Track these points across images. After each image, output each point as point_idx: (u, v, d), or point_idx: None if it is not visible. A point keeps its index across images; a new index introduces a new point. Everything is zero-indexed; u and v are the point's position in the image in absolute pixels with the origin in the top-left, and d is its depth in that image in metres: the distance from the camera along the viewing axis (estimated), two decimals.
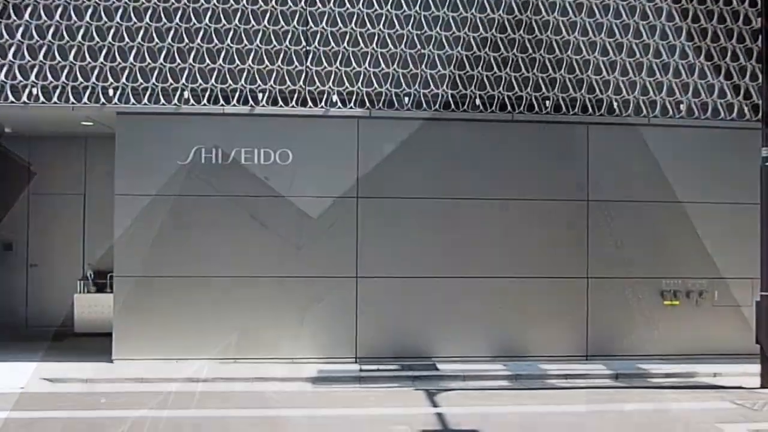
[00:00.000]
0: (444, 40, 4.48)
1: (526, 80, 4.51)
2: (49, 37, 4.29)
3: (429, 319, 4.49)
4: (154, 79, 4.28)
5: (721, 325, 4.66)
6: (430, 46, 4.49)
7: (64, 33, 4.31)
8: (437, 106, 4.46)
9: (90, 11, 4.31)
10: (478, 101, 4.47)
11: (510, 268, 4.53)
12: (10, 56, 4.29)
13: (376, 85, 4.44)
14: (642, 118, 4.59)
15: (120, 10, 4.32)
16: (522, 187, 4.54)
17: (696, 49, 4.63)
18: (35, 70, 4.31)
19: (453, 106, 4.46)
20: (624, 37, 4.62)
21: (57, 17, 4.29)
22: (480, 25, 4.50)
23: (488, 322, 4.51)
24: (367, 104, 4.41)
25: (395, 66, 4.43)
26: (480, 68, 4.48)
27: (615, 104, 4.58)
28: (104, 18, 4.31)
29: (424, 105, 4.46)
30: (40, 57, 4.28)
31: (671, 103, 4.62)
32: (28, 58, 4.27)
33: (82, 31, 4.29)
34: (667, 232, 4.66)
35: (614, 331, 4.59)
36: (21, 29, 4.33)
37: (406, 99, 4.47)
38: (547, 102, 4.55)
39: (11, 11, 4.35)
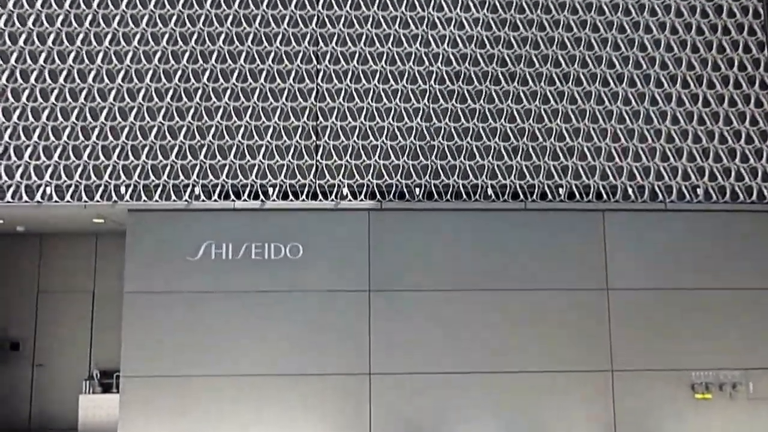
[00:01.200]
0: (453, 131, 4.57)
1: (537, 168, 4.55)
2: (65, 137, 4.44)
3: (444, 416, 4.34)
4: (165, 176, 4.38)
5: (757, 420, 4.46)
6: (440, 138, 4.58)
7: (80, 133, 4.46)
8: (449, 196, 4.49)
9: (105, 112, 4.48)
10: (489, 191, 4.50)
11: (528, 362, 4.43)
12: (26, 157, 4.43)
13: (386, 177, 4.50)
14: (659, 204, 4.59)
15: (134, 111, 4.48)
16: (538, 276, 4.51)
17: (709, 133, 4.67)
18: (50, 170, 4.44)
19: (465, 196, 4.49)
20: (635, 123, 4.68)
21: (72, 118, 4.46)
22: (488, 115, 4.60)
23: (507, 418, 4.35)
24: (378, 196, 4.46)
25: (405, 158, 4.50)
26: (490, 158, 4.54)
27: (630, 190, 4.60)
28: (119, 118, 4.47)
29: (436, 196, 4.50)
30: (56, 157, 4.42)
31: (688, 188, 4.62)
32: (43, 158, 4.41)
33: (96, 131, 4.44)
34: (695, 320, 4.56)
35: (642, 428, 4.39)
36: (38, 131, 4.50)
37: (417, 190, 4.51)
38: (561, 190, 4.57)
39: (29, 113, 4.53)
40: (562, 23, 4.92)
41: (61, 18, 4.75)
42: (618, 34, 4.90)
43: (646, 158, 4.87)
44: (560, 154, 4.93)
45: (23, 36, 4.74)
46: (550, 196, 4.79)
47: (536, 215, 4.79)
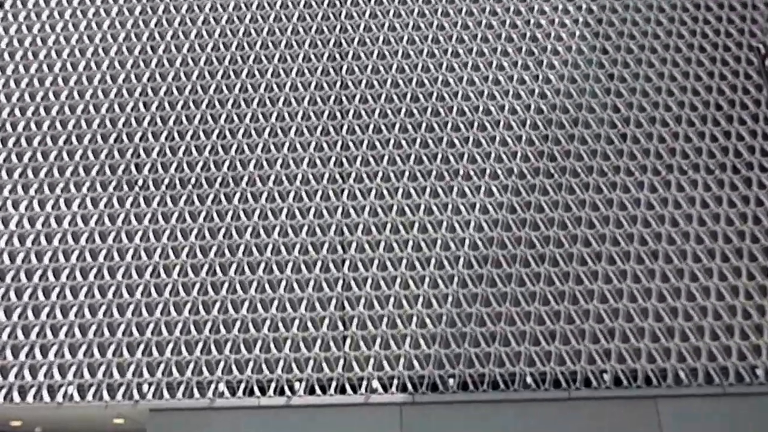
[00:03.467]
0: (485, 316, 4.50)
1: (577, 353, 4.40)
2: (90, 334, 4.50)
3: None
4: (189, 372, 4.36)
5: None
6: (471, 324, 4.51)
7: (105, 329, 4.53)
8: (485, 386, 4.32)
9: (132, 307, 4.57)
10: (529, 379, 4.33)
11: None
12: (51, 355, 4.47)
13: (417, 367, 4.39)
14: (716, 387, 4.32)
15: (160, 305, 4.56)
16: None
17: (758, 307, 4.51)
18: (73, 368, 4.45)
19: (502, 386, 4.31)
20: (676, 300, 4.57)
21: (99, 315, 4.54)
22: (521, 298, 4.55)
23: None
24: (410, 388, 4.31)
25: (437, 346, 4.41)
26: (526, 343, 4.41)
27: (681, 373, 4.36)
28: (144, 314, 4.55)
29: (471, 386, 4.33)
30: (80, 355, 4.45)
31: (746, 368, 4.37)
32: (68, 356, 4.45)
33: (122, 327, 4.50)
34: None
35: None
36: (65, 327, 4.59)
37: (451, 380, 4.36)
38: (605, 375, 4.36)
39: (57, 311, 4.66)
40: (587, 202, 5.01)
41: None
42: (645, 210, 4.96)
43: (695, 337, 4.69)
44: (600, 337, 4.79)
45: (58, 236, 5.01)
46: (594, 383, 4.58)
47: (582, 404, 4.55)
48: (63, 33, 4.75)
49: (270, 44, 4.61)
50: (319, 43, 4.56)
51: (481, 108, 4.54)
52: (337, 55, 4.78)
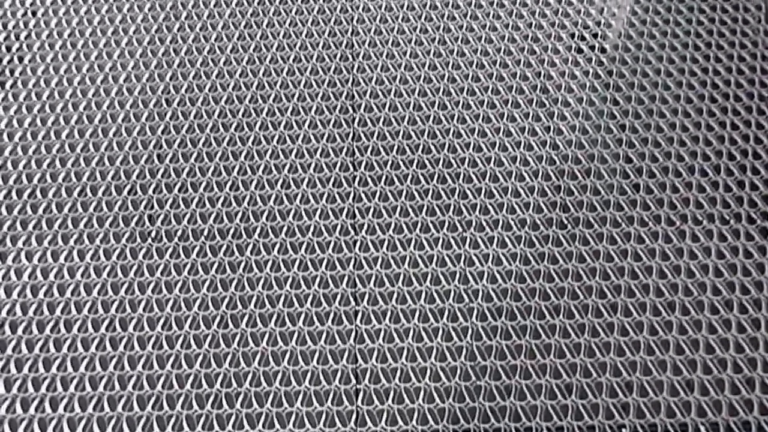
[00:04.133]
0: (500, 369, 4.43)
1: (595, 407, 4.30)
2: (101, 387, 4.47)
3: None
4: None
5: None
6: (486, 377, 4.44)
7: (116, 382, 4.50)
8: None
9: (143, 360, 4.54)
10: None
11: None
12: (60, 409, 4.44)
13: (431, 422, 4.30)
14: None
15: (171, 358, 4.54)
16: None
17: None
18: (83, 423, 4.41)
19: None
20: (694, 353, 4.49)
21: (110, 367, 4.53)
22: (536, 351, 4.49)
23: None
24: None
25: (451, 400, 4.33)
26: (543, 397, 4.33)
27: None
28: (155, 366, 4.52)
29: None
30: (89, 409, 4.42)
31: None
32: (78, 409, 4.41)
33: (133, 379, 4.47)
34: None
35: None
36: (75, 380, 4.56)
37: None
38: (624, 430, 4.27)
39: (63, 360, 4.63)
40: (602, 253, 4.99)
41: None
42: (661, 261, 4.92)
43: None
44: (618, 390, 4.69)
45: (70, 287, 5.03)
46: None
47: None
48: (80, 86, 4.87)
49: (282, 97, 4.70)
50: (331, 95, 4.64)
51: (493, 159, 4.56)
52: (349, 108, 4.85)
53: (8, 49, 5.08)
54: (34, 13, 5.25)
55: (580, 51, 4.71)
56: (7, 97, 4.81)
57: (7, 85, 4.91)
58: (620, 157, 4.33)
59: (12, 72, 4.94)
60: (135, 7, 5.23)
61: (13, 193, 4.44)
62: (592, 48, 4.69)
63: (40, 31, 5.11)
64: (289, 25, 4.89)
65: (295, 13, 4.93)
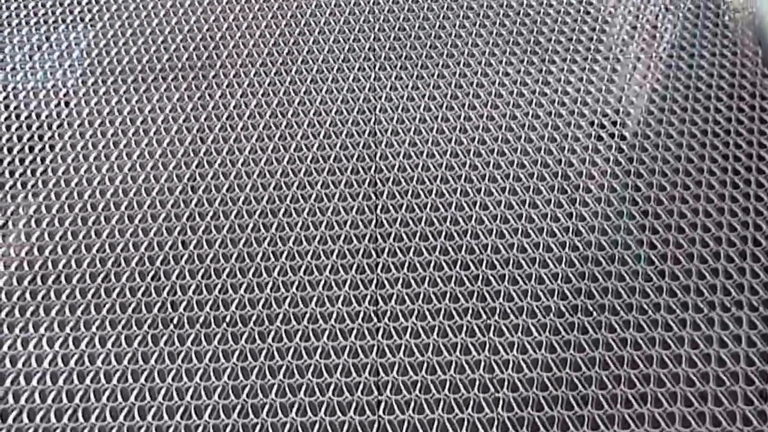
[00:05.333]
0: None
1: None
2: None
3: None
4: None
5: None
6: None
7: None
8: None
9: None
10: None
11: None
12: None
13: None
14: None
15: None
16: None
17: None
18: None
19: None
20: None
21: None
22: None
23: None
24: None
25: None
26: None
27: None
28: None
29: None
30: None
31: None
32: None
33: None
34: None
35: None
36: None
37: None
38: None
39: None
40: (629, 341, 4.93)
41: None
42: (690, 349, 4.84)
43: None
44: None
45: (90, 374, 5.03)
46: None
47: None
48: (108, 174, 5.03)
49: (306, 184, 4.83)
50: (354, 183, 4.76)
51: (515, 245, 4.59)
52: (372, 195, 4.95)
53: (40, 137, 5.31)
54: (66, 104, 5.51)
55: (600, 138, 4.82)
56: (36, 184, 4.98)
57: (38, 172, 5.09)
58: (644, 244, 4.36)
59: (43, 160, 5.13)
60: (164, 98, 5.47)
61: (38, 279, 4.54)
62: (612, 135, 4.80)
63: (72, 120, 5.34)
64: (314, 114, 5.08)
65: (320, 103, 5.13)
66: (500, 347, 4.43)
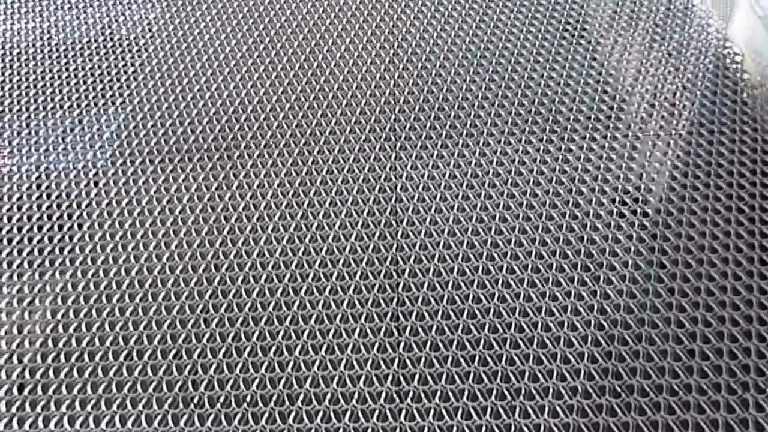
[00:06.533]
0: None
1: None
2: None
3: None
4: None
5: None
6: None
7: None
8: None
9: None
10: None
11: None
12: None
13: None
14: None
15: None
16: None
17: None
18: None
19: None
20: None
21: None
22: None
23: None
24: None
25: None
26: None
27: None
28: None
29: None
30: None
31: None
32: None
33: None
34: None
35: None
36: None
37: None
38: None
39: None
40: (660, 424, 4.79)
41: None
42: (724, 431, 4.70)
43: None
44: None
45: None
46: None
47: None
48: (133, 252, 5.14)
49: (328, 263, 4.88)
50: (375, 261, 4.80)
51: (539, 324, 4.55)
52: (394, 273, 4.98)
53: (69, 216, 5.47)
54: (96, 184, 5.70)
55: (622, 216, 4.84)
56: (64, 262, 5.10)
57: (66, 251, 5.21)
58: (671, 322, 4.30)
59: (71, 238, 5.27)
60: (190, 178, 5.64)
61: (62, 356, 4.59)
62: (635, 213, 4.82)
63: (100, 200, 5.51)
64: (335, 193, 5.19)
65: (341, 182, 5.24)
66: (526, 429, 4.33)
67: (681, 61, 5.86)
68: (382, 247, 4.90)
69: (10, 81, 6.54)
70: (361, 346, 4.49)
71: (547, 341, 4.33)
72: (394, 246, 4.93)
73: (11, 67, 6.65)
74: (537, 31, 6.17)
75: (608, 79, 5.69)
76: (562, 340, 4.32)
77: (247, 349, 4.47)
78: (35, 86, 6.51)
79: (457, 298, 4.52)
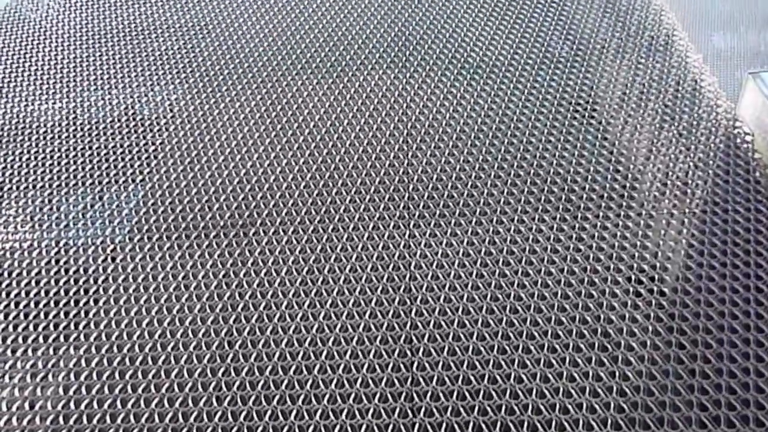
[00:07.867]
0: None
1: None
2: None
3: None
4: None
5: None
6: None
7: None
8: None
9: None
10: None
11: None
12: None
13: None
14: None
15: None
16: None
17: None
18: None
19: None
20: None
21: None
22: None
23: None
24: None
25: None
26: None
27: None
28: None
29: None
30: None
31: None
32: None
33: None
34: None
35: None
36: None
37: None
38: None
39: None
40: None
41: None
42: None
43: None
44: None
45: None
46: None
47: None
48: (148, 328, 5.13)
49: (342, 340, 4.82)
50: (389, 339, 4.75)
51: (557, 406, 4.45)
52: (407, 351, 4.92)
53: (86, 291, 5.48)
54: (113, 259, 5.73)
55: (638, 294, 4.78)
56: (79, 337, 5.08)
57: (81, 326, 5.20)
58: (693, 405, 4.17)
59: (87, 313, 5.27)
60: (206, 254, 5.65)
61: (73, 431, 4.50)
62: (651, 291, 4.76)
63: (117, 275, 5.53)
64: (349, 271, 5.18)
65: (355, 260, 5.25)
66: None
67: (692, 140, 5.92)
68: (396, 325, 4.87)
69: (35, 158, 6.72)
70: (375, 429, 4.38)
71: (566, 423, 4.20)
72: (408, 324, 4.89)
73: (37, 145, 6.84)
74: (548, 111, 6.28)
75: (620, 158, 5.74)
76: (581, 422, 4.20)
77: (259, 429, 4.38)
78: (59, 163, 6.67)
79: (472, 377, 4.43)
